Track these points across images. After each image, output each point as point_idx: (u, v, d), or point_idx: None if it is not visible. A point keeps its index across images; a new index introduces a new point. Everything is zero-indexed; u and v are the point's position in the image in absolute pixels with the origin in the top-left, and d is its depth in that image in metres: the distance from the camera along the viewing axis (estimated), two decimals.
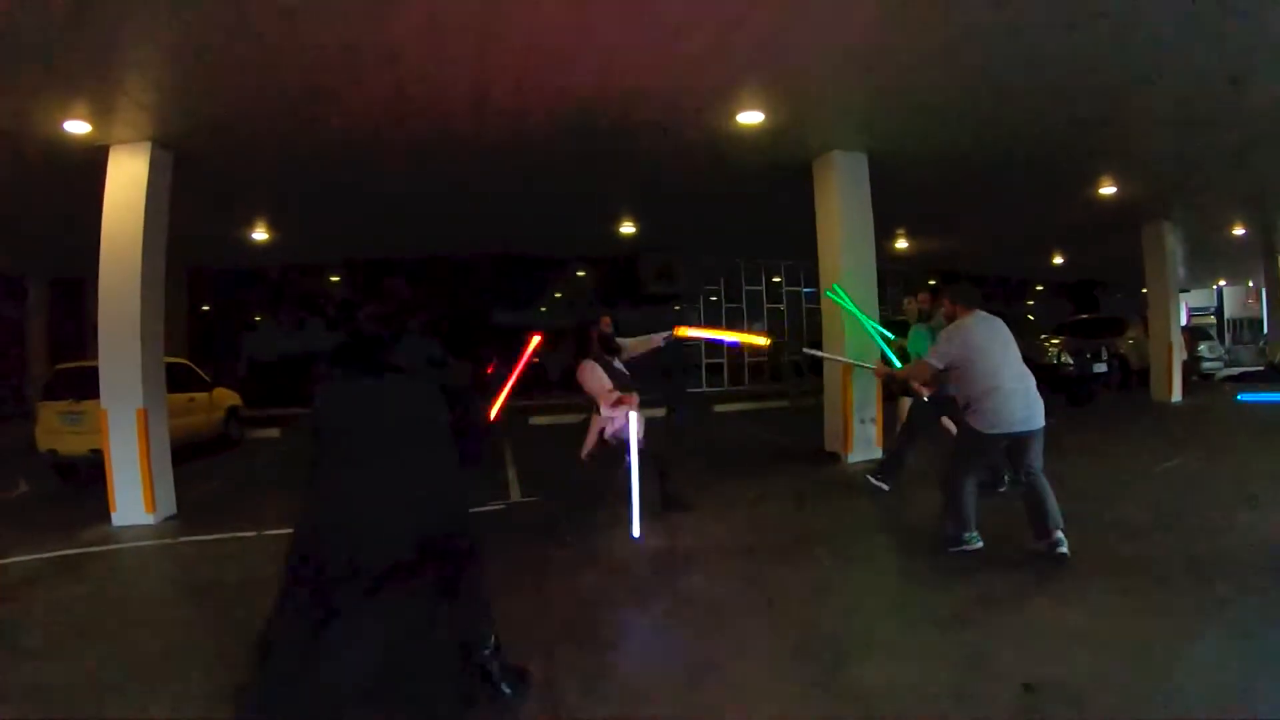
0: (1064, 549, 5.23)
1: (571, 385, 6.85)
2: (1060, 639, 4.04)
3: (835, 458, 9.89)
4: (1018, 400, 5.37)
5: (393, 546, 2.96)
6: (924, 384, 7.40)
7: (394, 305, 3.79)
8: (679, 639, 4.40)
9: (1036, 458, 5.45)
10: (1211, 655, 3.80)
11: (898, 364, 7.89)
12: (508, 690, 3.56)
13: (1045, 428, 5.44)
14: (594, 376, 6.45)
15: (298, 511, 3.21)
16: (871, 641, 4.22)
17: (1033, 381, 5.49)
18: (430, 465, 3.21)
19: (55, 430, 10.17)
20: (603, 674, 3.92)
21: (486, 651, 3.56)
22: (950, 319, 5.89)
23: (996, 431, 5.40)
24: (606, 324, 7.24)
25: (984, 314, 5.71)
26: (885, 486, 7.74)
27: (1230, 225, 18.16)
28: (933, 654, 4.00)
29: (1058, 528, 5.30)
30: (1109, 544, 5.70)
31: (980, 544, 5.62)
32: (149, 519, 7.71)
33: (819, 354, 8.89)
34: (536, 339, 7.12)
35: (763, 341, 6.35)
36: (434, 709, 3.48)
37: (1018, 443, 5.44)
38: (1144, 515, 6.52)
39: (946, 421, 7.57)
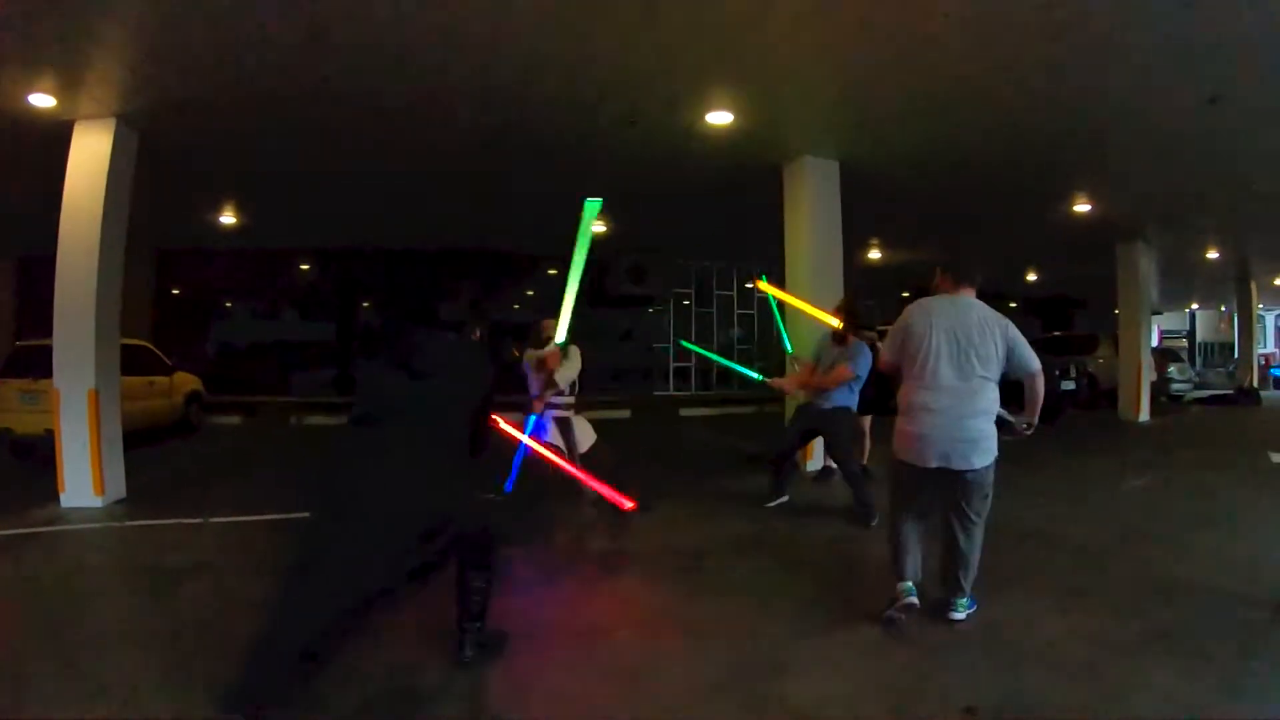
0: (958, 615, 4.37)
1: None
2: (1008, 660, 3.96)
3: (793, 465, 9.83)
4: (939, 424, 4.15)
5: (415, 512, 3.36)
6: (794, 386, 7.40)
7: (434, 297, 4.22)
8: (608, 648, 4.28)
9: (979, 506, 4.29)
10: (1166, 679, 3.73)
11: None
12: (468, 654, 3.83)
13: (993, 469, 4.26)
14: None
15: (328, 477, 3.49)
16: (809, 657, 4.08)
17: (981, 411, 4.17)
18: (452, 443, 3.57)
19: (12, 409, 10.04)
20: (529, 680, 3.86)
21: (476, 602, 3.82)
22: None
23: (908, 461, 4.32)
24: (549, 327, 7.24)
25: (966, 298, 4.37)
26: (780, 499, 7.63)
27: (1205, 248, 18.34)
28: (873, 672, 3.91)
29: (962, 593, 4.40)
30: (1068, 563, 5.71)
31: (913, 598, 4.41)
32: (97, 501, 7.59)
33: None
34: None
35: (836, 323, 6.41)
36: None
37: (947, 481, 4.26)
38: (1105, 535, 6.51)
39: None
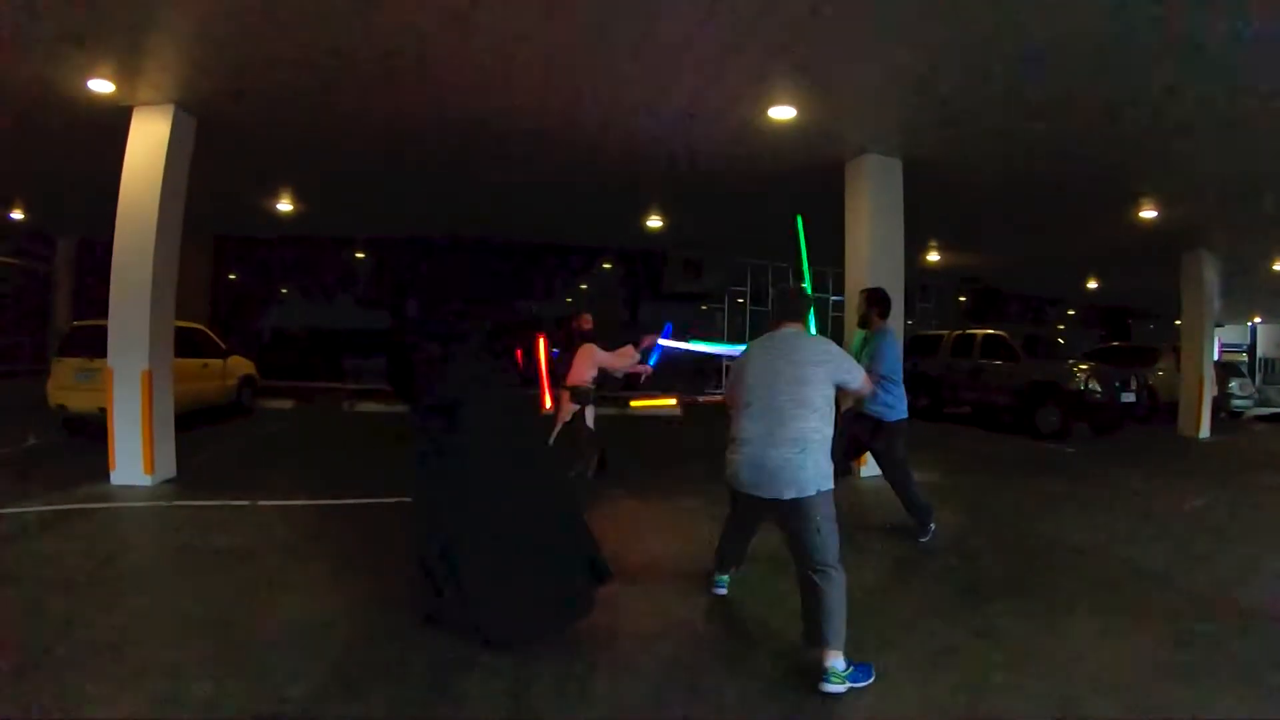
0: (830, 687, 3.59)
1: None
2: (1060, 684, 3.79)
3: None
4: (753, 451, 3.98)
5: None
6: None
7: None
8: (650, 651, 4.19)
9: (812, 545, 3.82)
10: (1225, 709, 3.56)
11: None
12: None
13: (813, 504, 3.83)
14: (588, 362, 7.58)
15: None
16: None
17: (807, 439, 3.89)
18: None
19: (67, 386, 10.26)
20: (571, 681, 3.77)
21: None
22: None
23: (732, 486, 4.24)
24: (586, 322, 7.42)
25: (790, 330, 4.26)
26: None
27: (1271, 259, 17.69)
28: (923, 683, 3.78)
29: (829, 647, 3.68)
30: (1126, 584, 5.49)
31: (724, 590, 4.98)
32: (147, 480, 7.67)
33: None
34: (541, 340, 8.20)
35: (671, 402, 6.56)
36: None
37: (776, 515, 4.03)
38: (1165, 556, 6.24)
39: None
